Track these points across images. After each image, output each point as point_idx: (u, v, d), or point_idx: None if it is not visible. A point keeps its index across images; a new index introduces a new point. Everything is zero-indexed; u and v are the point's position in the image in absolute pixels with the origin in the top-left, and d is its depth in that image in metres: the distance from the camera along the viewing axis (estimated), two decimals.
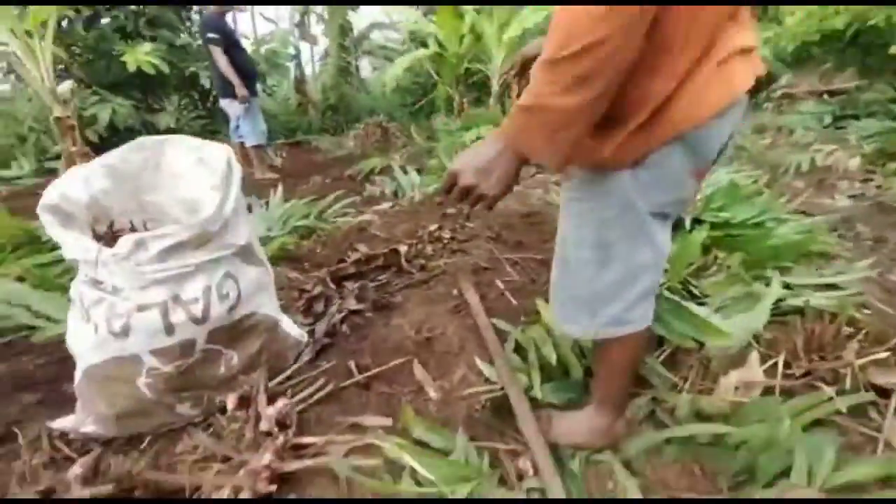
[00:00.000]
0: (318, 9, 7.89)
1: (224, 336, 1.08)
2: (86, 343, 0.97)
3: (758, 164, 3.60)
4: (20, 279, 2.09)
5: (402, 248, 2.08)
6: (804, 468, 0.91)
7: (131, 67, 4.92)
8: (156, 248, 0.90)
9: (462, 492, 0.92)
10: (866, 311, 1.50)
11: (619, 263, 0.83)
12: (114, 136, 4.87)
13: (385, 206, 3.31)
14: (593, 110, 0.66)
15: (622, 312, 0.87)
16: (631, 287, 0.85)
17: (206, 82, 5.68)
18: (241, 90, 3.82)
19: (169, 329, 0.95)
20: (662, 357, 1.35)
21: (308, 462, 0.93)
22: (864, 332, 1.28)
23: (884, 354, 1.17)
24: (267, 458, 0.89)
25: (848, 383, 1.13)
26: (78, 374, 1.08)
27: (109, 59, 5.10)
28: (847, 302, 1.44)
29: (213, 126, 6.19)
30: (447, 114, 6.12)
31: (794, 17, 5.26)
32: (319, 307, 1.68)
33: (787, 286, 1.62)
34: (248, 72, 3.96)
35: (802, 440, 0.96)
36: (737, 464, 1.01)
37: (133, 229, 1.29)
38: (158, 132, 5.48)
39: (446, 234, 2.32)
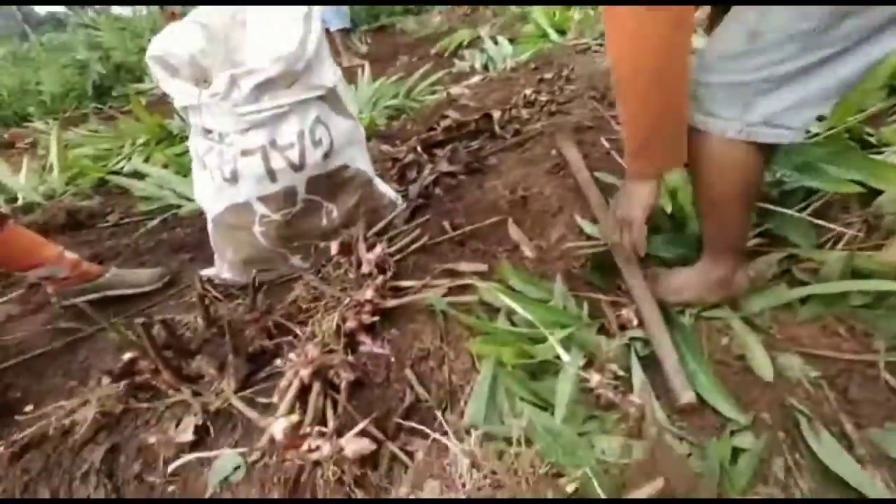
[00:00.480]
0: None
1: (322, 187, 1.11)
2: (208, 192, 1.08)
3: None
4: (164, 167, 2.42)
5: (496, 114, 1.93)
6: None
7: None
8: (248, 85, 0.91)
9: (560, 335, 0.90)
10: None
11: (810, 55, 0.65)
12: None
13: (476, 79, 3.08)
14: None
15: (781, 114, 0.69)
16: (804, 85, 0.67)
17: None
18: None
19: (272, 175, 1.00)
20: (809, 210, 1.11)
21: (406, 300, 0.97)
22: None
23: None
24: (369, 293, 0.94)
25: None
26: (210, 226, 1.22)
27: None
28: None
29: None
30: None
31: None
32: (412, 174, 1.67)
33: None
34: None
35: None
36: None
37: None
38: None
39: (543, 97, 2.10)
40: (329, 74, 1.04)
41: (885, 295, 0.88)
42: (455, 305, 0.96)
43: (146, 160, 2.59)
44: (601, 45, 2.93)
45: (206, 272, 1.35)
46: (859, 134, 1.38)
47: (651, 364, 0.91)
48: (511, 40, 3.71)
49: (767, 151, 0.77)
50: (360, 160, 1.22)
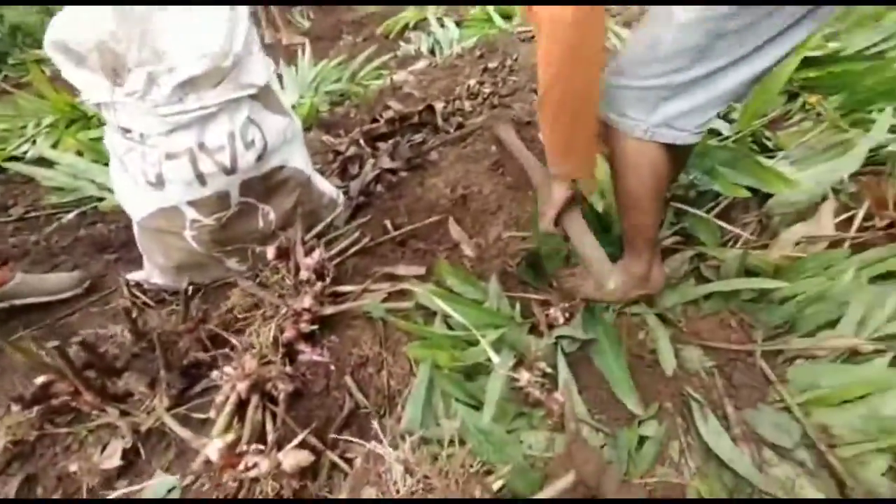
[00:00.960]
0: None
1: (256, 189, 1.08)
2: (131, 196, 1.02)
3: None
4: (79, 153, 2.20)
5: (439, 106, 1.93)
6: (856, 318, 0.85)
7: None
8: (169, 84, 0.86)
9: (492, 336, 0.96)
10: None
11: (709, 63, 0.72)
12: None
13: (421, 64, 3.03)
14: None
15: (680, 118, 0.77)
16: (702, 91, 0.75)
17: None
18: None
19: (201, 179, 0.96)
20: (715, 212, 1.24)
21: (345, 307, 0.99)
22: None
23: None
24: (307, 301, 0.95)
25: None
26: (135, 229, 1.15)
27: None
28: None
29: None
30: None
31: None
32: (354, 169, 1.65)
33: (893, 129, 1.37)
34: None
35: (864, 290, 0.89)
36: (778, 316, 0.96)
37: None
38: None
39: (486, 89, 2.12)
40: (260, 71, 1.00)
41: (767, 291, 1.01)
42: (393, 311, 0.99)
43: (54, 145, 2.32)
44: None
45: (134, 276, 1.28)
46: (760, 138, 1.53)
47: (577, 360, 0.99)
48: (458, 23, 3.67)
49: (678, 152, 0.85)
50: (296, 159, 1.19)
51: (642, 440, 0.82)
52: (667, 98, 0.77)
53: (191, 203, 1.00)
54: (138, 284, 1.27)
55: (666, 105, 0.77)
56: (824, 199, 1.14)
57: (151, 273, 1.25)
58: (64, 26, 0.94)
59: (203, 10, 1.00)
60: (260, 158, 1.04)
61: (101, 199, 1.88)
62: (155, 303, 1.25)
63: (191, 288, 1.08)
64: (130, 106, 0.87)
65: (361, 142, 1.75)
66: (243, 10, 1.00)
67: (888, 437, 0.71)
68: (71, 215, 1.83)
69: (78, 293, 1.33)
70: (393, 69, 3.00)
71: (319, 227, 1.21)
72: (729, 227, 1.20)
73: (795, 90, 1.70)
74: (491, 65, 2.49)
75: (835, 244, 1.05)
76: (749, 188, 1.18)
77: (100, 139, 2.30)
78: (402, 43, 3.58)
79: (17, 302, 1.25)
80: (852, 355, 0.86)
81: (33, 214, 1.84)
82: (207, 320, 1.00)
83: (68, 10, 1.00)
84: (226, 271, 1.22)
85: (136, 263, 1.46)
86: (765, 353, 0.93)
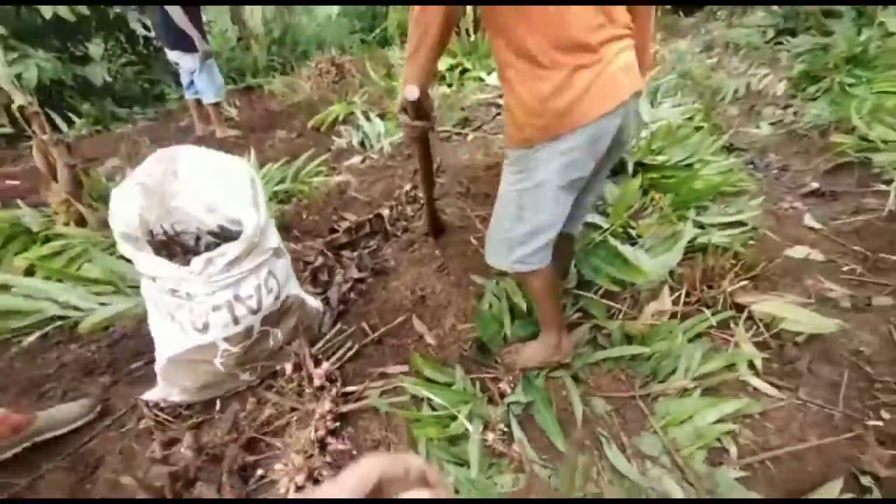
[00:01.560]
0: None
1: (271, 319, 1.39)
2: (174, 337, 1.28)
3: (700, 92, 3.90)
4: (28, 273, 2.24)
5: (385, 213, 2.36)
6: (684, 367, 1.39)
7: (47, 14, 4.49)
8: (221, 263, 1.18)
9: (465, 411, 1.35)
10: (752, 242, 1.96)
11: (528, 223, 1.20)
12: (45, 97, 4.56)
13: (356, 160, 3.47)
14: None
15: (527, 256, 1.25)
16: (534, 239, 1.22)
17: (135, 25, 5.20)
18: (202, 44, 3.60)
19: (235, 320, 1.26)
20: (601, 292, 1.78)
21: (355, 405, 1.32)
22: (741, 263, 1.74)
23: (745, 282, 1.64)
24: (327, 405, 1.27)
25: (720, 305, 1.60)
26: (162, 361, 1.38)
27: (17, 7, 4.60)
28: (737, 239, 1.89)
29: (149, 74, 5.80)
30: (402, 45, 5.95)
31: None
32: (323, 276, 1.99)
33: (700, 226, 2.05)
34: (201, 21, 3.72)
35: (686, 348, 1.43)
36: (647, 369, 1.48)
37: (166, 234, 1.53)
38: (93, 88, 5.13)
39: (421, 193, 2.60)
40: (273, 235, 1.35)
41: (638, 353, 1.53)
42: (392, 405, 1.34)
43: None
44: (459, 133, 3.60)
45: (150, 396, 1.48)
46: (627, 228, 2.15)
47: (524, 419, 1.40)
48: (381, 115, 4.19)
49: (548, 268, 1.33)
50: (294, 287, 1.53)
51: (574, 469, 1.25)
52: (513, 246, 1.25)
53: (225, 339, 1.29)
54: (156, 404, 1.48)
55: (515, 250, 1.25)
56: (663, 282, 1.73)
57: (170, 392, 1.47)
58: (120, 217, 1.22)
59: (212, 180, 1.34)
60: (276, 297, 1.37)
61: (62, 318, 1.97)
62: (174, 418, 1.46)
63: (218, 402, 1.33)
64: (188, 279, 1.17)
65: (326, 251, 2.10)
66: (262, 188, 1.36)
67: (702, 440, 1.22)
68: (31, 338, 1.90)
69: (90, 419, 1.48)
70: (330, 163, 3.40)
71: (320, 345, 1.53)
72: (612, 304, 1.74)
73: (647, 187, 2.38)
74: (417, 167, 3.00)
75: (672, 315, 1.62)
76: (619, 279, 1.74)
77: (52, 255, 2.36)
78: (334, 138, 4.01)
79: (38, 439, 1.37)
80: (686, 391, 1.38)
81: None
82: (246, 429, 1.26)
83: (115, 198, 1.28)
84: (238, 383, 1.48)
85: (134, 383, 1.65)
86: (642, 396, 1.43)
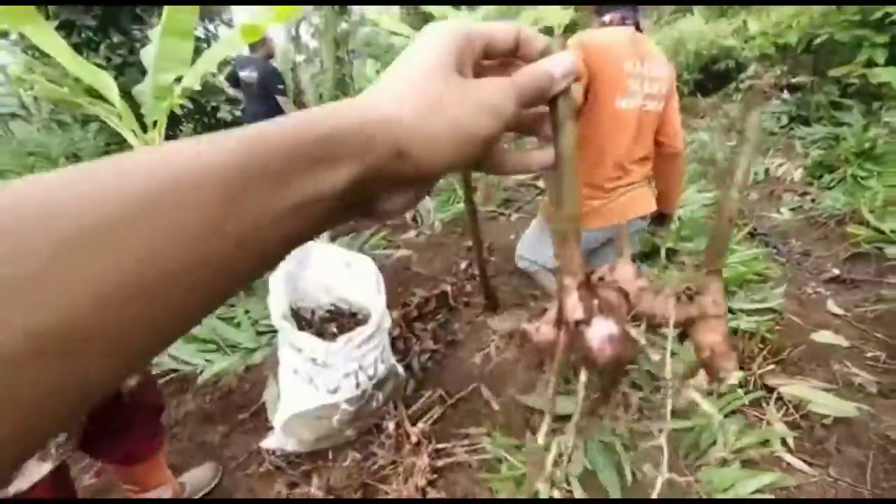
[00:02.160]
0: (312, 20, 8.18)
1: (378, 384, 1.73)
2: (308, 398, 1.62)
3: (721, 178, 4.28)
4: None
5: (448, 289, 2.73)
6: (723, 440, 1.64)
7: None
8: (357, 341, 1.54)
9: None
10: (778, 328, 2.23)
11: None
12: None
13: (411, 234, 3.92)
14: None
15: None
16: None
17: (226, 115, 5.99)
18: None
19: (357, 385, 1.60)
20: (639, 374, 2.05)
21: (447, 460, 1.61)
22: (769, 347, 2.00)
23: (773, 365, 1.90)
24: (425, 459, 1.56)
25: (751, 385, 1.85)
26: (285, 415, 1.72)
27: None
28: (764, 324, 2.16)
29: None
30: None
31: (756, 27, 5.93)
32: (400, 345, 2.33)
33: (730, 310, 2.33)
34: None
35: (724, 423, 1.68)
36: (689, 440, 1.73)
37: (291, 309, 1.92)
38: None
39: (476, 271, 2.97)
40: (387, 317, 1.72)
41: (681, 426, 1.78)
42: (478, 462, 1.63)
43: None
44: (503, 213, 4.04)
45: (269, 444, 1.80)
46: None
47: (584, 478, 1.65)
48: (428, 193, 4.68)
49: None
50: (390, 356, 1.87)
51: None
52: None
53: (346, 400, 1.62)
54: (272, 451, 1.79)
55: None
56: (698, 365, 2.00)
57: (286, 442, 1.78)
58: (279, 299, 1.62)
59: (339, 271, 1.73)
60: (383, 363, 1.71)
61: (175, 371, 2.35)
62: (286, 464, 1.77)
63: (330, 452, 1.64)
64: (329, 352, 1.54)
65: (402, 323, 2.46)
66: (381, 280, 1.75)
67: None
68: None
69: (219, 480, 1.76)
70: (389, 237, 3.84)
71: (413, 409, 1.84)
72: (656, 380, 2.01)
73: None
74: (470, 244, 3.40)
75: (709, 393, 1.88)
76: None
77: None
78: None
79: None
80: (725, 462, 1.62)
81: None
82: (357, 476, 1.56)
83: (272, 288, 1.69)
84: (343, 438, 1.79)
85: (250, 433, 1.97)
86: (688, 466, 1.66)
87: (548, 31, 1.42)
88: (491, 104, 0.27)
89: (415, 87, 0.26)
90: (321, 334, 1.80)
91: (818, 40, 5.07)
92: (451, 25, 0.27)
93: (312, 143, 0.21)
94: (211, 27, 6.58)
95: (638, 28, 1.50)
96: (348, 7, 7.82)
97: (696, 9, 9.08)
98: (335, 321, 1.97)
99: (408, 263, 3.29)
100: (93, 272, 0.14)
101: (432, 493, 1.50)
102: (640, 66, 1.41)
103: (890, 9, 4.54)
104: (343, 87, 8.10)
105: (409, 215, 4.37)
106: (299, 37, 7.95)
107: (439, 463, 1.60)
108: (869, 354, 2.16)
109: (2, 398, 0.13)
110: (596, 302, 0.32)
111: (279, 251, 0.21)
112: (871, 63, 4.63)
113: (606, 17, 1.50)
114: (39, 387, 0.14)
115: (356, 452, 1.72)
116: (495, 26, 0.29)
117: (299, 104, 7.86)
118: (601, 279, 0.36)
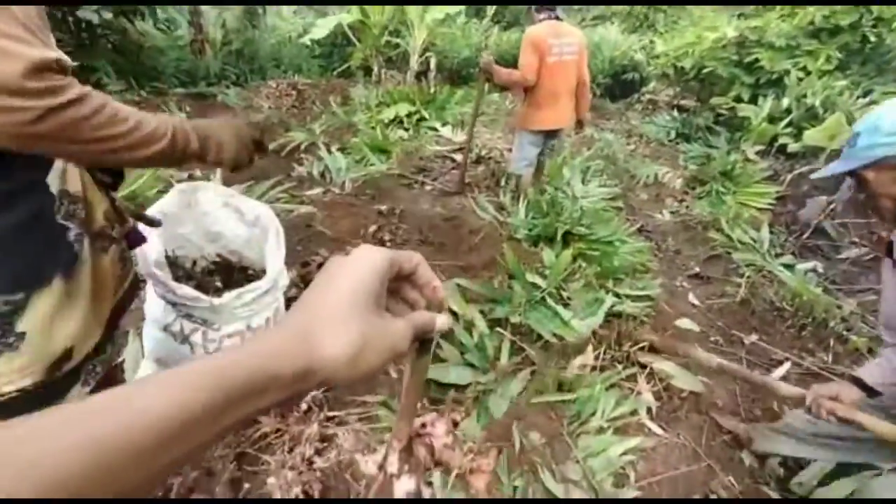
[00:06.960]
0: None
1: None
2: (179, 357, 1.39)
3: (619, 175, 4.65)
4: None
5: None
6: (601, 410, 1.78)
7: None
8: (248, 297, 1.34)
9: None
10: (653, 314, 2.50)
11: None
12: None
13: (317, 190, 3.63)
14: None
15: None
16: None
17: None
18: None
19: None
20: (540, 343, 2.15)
21: (338, 428, 1.52)
22: (645, 327, 2.23)
23: (643, 344, 2.13)
24: (315, 427, 1.45)
25: (628, 361, 2.06)
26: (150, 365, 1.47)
27: None
28: (642, 309, 2.40)
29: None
30: (365, 84, 6.25)
31: (662, 48, 6.53)
32: None
33: (616, 295, 2.55)
34: None
35: (602, 395, 1.84)
36: (573, 411, 1.85)
37: (167, 256, 1.63)
38: None
39: (386, 236, 2.86)
40: (286, 275, 1.54)
41: (568, 399, 1.90)
42: (372, 428, 1.56)
43: None
44: (417, 180, 3.93)
45: None
46: (560, 291, 2.58)
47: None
48: (341, 149, 4.36)
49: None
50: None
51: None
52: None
53: None
54: None
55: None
56: (587, 340, 2.16)
57: None
58: (154, 246, 1.34)
59: (224, 213, 1.52)
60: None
61: None
62: None
63: None
64: (213, 308, 1.32)
65: (300, 284, 2.26)
66: (282, 233, 1.55)
67: (611, 468, 1.60)
68: None
69: None
70: (292, 192, 3.51)
71: None
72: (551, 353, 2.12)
73: (576, 255, 2.87)
74: (381, 207, 3.26)
75: (593, 368, 2.04)
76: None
77: None
78: (294, 164, 4.10)
79: None
80: (600, 430, 1.77)
81: None
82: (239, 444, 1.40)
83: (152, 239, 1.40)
84: None
85: None
86: (569, 433, 1.79)
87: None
88: (394, 345, 0.35)
89: (350, 330, 0.32)
90: (202, 287, 1.56)
91: (705, 70, 5.73)
92: (381, 253, 0.36)
93: (261, 380, 0.29)
94: None
95: (559, 19, 2.86)
96: None
97: (615, 17, 9.69)
98: (220, 274, 1.73)
99: (311, 221, 3.04)
100: None
101: (319, 463, 1.40)
102: (559, 39, 2.78)
103: (760, 54, 5.29)
104: (254, 18, 7.18)
105: (316, 171, 4.04)
106: None
107: (329, 431, 1.50)
108: (712, 339, 2.55)
109: None
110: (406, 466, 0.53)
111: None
112: (739, 99, 5.37)
113: (541, 16, 2.85)
114: None
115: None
116: (404, 255, 0.39)
117: (196, 25, 6.78)
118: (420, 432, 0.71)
